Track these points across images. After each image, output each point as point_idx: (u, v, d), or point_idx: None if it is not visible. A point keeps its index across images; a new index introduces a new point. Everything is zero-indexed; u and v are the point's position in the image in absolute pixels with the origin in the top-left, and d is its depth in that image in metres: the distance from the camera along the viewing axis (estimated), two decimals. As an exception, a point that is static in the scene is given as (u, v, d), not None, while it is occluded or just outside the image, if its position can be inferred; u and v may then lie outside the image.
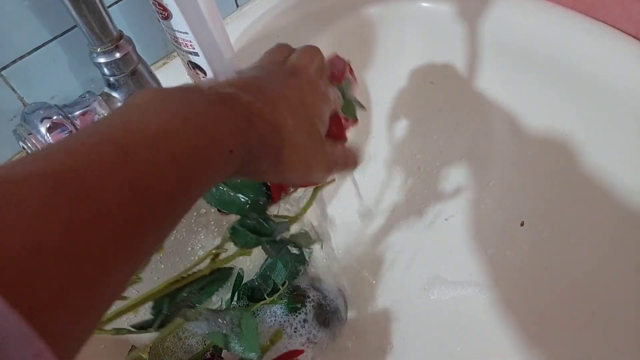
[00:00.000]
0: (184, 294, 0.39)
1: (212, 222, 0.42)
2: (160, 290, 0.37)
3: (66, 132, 0.34)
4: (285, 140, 0.24)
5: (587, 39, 0.44)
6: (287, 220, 0.37)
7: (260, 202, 0.35)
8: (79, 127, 0.34)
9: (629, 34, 0.42)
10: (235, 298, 0.46)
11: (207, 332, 0.37)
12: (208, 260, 0.40)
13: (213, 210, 0.43)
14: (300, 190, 0.37)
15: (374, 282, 0.52)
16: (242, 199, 0.34)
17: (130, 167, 0.17)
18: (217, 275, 0.41)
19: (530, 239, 0.48)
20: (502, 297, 0.47)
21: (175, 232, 0.40)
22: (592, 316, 0.40)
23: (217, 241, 0.45)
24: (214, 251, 0.39)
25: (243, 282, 0.47)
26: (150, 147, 0.18)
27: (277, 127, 0.23)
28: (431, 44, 0.54)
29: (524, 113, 0.50)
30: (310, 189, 0.37)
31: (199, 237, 0.42)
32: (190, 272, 0.38)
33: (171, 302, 0.38)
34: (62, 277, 0.14)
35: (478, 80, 0.53)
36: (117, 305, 0.36)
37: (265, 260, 0.49)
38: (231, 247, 0.40)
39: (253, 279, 0.47)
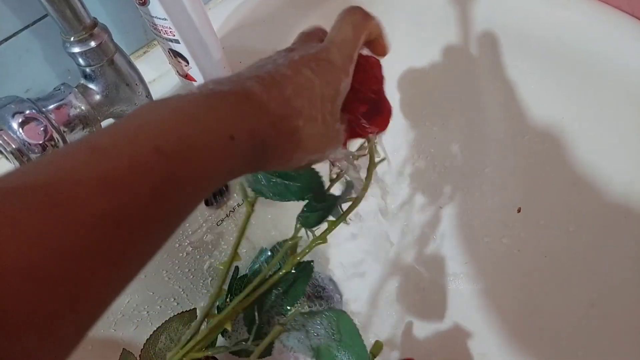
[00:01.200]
0: (272, 298, 0.37)
1: (200, 218, 0.41)
2: (245, 299, 0.35)
3: (40, 126, 0.32)
4: (299, 124, 0.22)
5: (583, 18, 0.42)
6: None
7: (316, 185, 0.34)
8: (53, 122, 0.32)
9: (625, 12, 0.41)
10: (229, 295, 0.45)
11: (309, 351, 0.34)
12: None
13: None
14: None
15: (365, 272, 0.51)
16: (297, 186, 0.33)
17: (107, 166, 0.16)
18: (299, 272, 0.38)
19: (527, 227, 0.47)
20: (499, 286, 0.46)
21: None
22: (590, 307, 0.39)
23: (207, 237, 0.43)
24: (289, 242, 0.36)
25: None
26: (130, 141, 0.16)
27: (287, 112, 0.22)
28: (423, 28, 0.53)
29: (519, 97, 0.49)
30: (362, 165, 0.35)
31: (186, 233, 0.40)
32: (271, 273, 0.36)
33: (261, 311, 0.36)
34: (56, 295, 0.13)
35: (471, 64, 0.51)
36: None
37: (259, 256, 0.48)
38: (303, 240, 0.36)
39: (245, 274, 0.46)
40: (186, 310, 0.41)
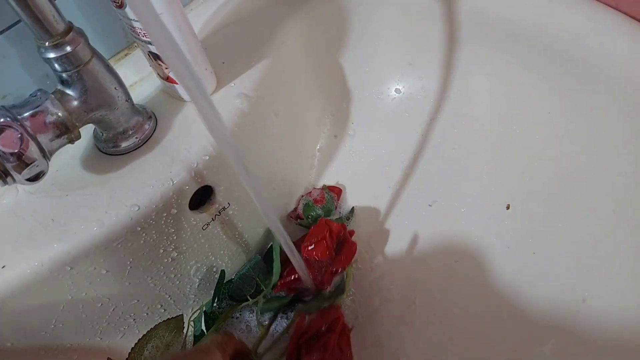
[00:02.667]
0: None
1: (184, 223, 0.40)
2: None
3: (16, 134, 0.31)
4: None
5: (570, 12, 0.42)
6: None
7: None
8: (29, 129, 0.32)
9: (609, 6, 0.41)
10: (216, 300, 0.45)
11: None
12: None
13: (176, 210, 0.40)
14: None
15: (354, 273, 0.51)
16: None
17: None
18: None
19: (516, 223, 0.46)
20: (489, 284, 0.46)
21: (144, 234, 0.37)
22: (581, 303, 0.39)
23: (193, 242, 0.43)
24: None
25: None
26: None
27: None
28: (409, 23, 0.52)
29: (507, 92, 0.49)
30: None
31: (171, 239, 0.40)
32: None
33: None
34: None
35: (459, 59, 0.51)
36: None
37: (250, 260, 0.47)
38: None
39: (232, 279, 0.45)
40: (172, 317, 0.40)
